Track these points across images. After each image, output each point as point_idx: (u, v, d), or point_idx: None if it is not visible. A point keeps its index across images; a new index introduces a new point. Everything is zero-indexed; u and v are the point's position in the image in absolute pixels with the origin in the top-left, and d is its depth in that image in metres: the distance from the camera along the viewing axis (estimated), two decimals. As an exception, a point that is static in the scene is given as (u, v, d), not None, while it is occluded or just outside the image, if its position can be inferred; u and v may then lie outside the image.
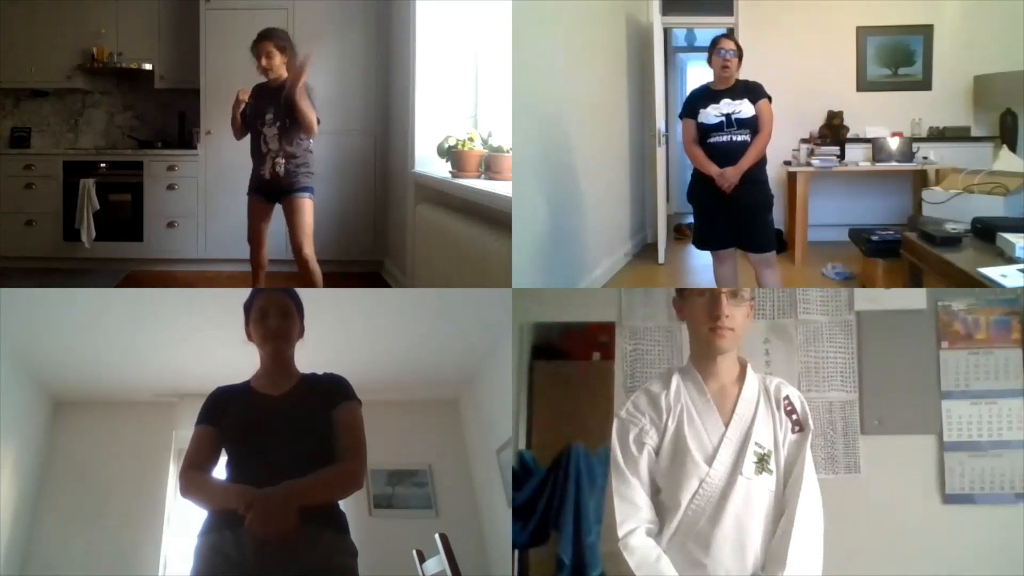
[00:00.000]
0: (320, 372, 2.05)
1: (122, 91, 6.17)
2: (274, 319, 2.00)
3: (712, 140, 3.49)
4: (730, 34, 3.50)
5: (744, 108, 3.45)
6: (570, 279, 4.38)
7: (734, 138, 3.46)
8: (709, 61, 3.51)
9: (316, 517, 1.77)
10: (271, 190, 3.83)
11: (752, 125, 3.46)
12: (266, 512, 1.70)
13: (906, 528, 2.94)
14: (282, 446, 1.85)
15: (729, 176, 3.44)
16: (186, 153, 5.73)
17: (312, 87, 3.83)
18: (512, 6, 3.60)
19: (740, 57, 3.49)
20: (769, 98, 3.51)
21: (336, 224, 5.41)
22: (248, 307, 2.04)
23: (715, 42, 3.51)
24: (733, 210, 3.51)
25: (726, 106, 3.46)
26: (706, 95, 3.52)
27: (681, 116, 3.61)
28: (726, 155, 3.47)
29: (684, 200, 9.26)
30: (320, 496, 1.81)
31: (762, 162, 3.53)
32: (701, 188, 3.60)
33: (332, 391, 1.99)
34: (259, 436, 1.88)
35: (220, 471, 1.91)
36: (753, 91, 3.48)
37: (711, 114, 3.48)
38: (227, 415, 1.93)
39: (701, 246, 3.70)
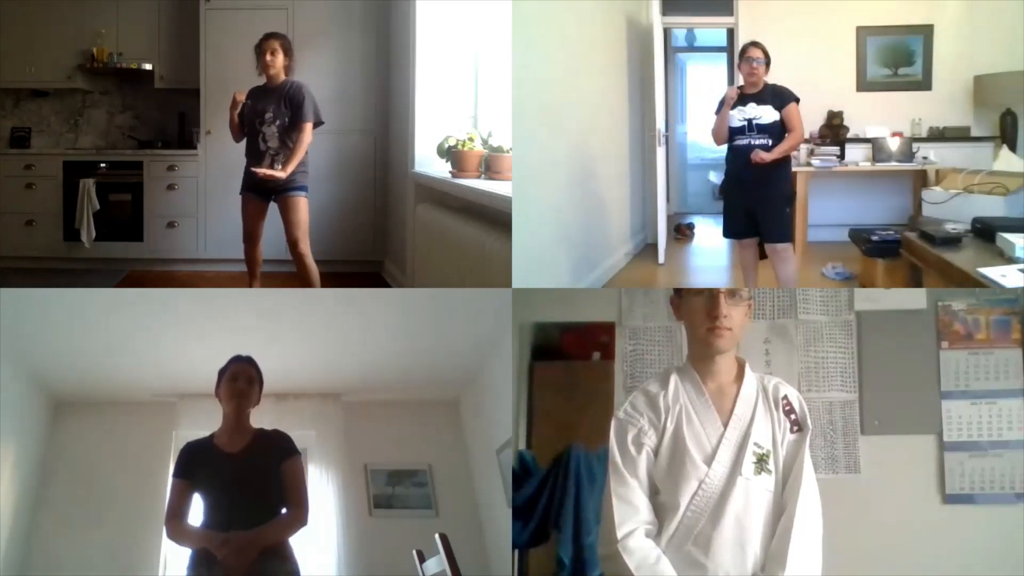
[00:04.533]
0: (268, 428, 2.52)
1: (122, 91, 6.17)
2: (242, 383, 2.47)
3: (735, 142, 3.74)
4: (758, 43, 3.77)
5: (766, 114, 3.68)
6: (570, 279, 4.38)
7: (752, 142, 3.70)
8: (738, 66, 3.77)
9: (271, 553, 2.29)
10: (266, 188, 3.85)
11: (773, 130, 3.69)
12: (237, 551, 2.21)
13: (906, 528, 2.94)
14: (243, 497, 2.35)
15: (762, 155, 3.65)
16: (186, 153, 5.73)
17: (310, 90, 3.85)
18: (512, 6, 3.60)
19: (768, 63, 3.71)
20: (797, 100, 3.72)
21: (336, 224, 5.41)
22: (223, 371, 2.50)
23: (744, 49, 3.75)
24: (755, 203, 3.76)
25: (750, 110, 3.69)
26: (737, 97, 3.74)
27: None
28: (744, 159, 3.70)
29: (684, 200, 9.30)
30: (276, 538, 2.32)
31: (786, 160, 3.79)
32: (729, 184, 3.91)
33: (280, 448, 2.47)
34: (223, 488, 2.36)
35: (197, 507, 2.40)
36: (779, 97, 3.71)
37: (736, 117, 3.73)
38: (197, 470, 2.41)
39: (727, 235, 3.97)
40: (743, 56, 3.72)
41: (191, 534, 2.34)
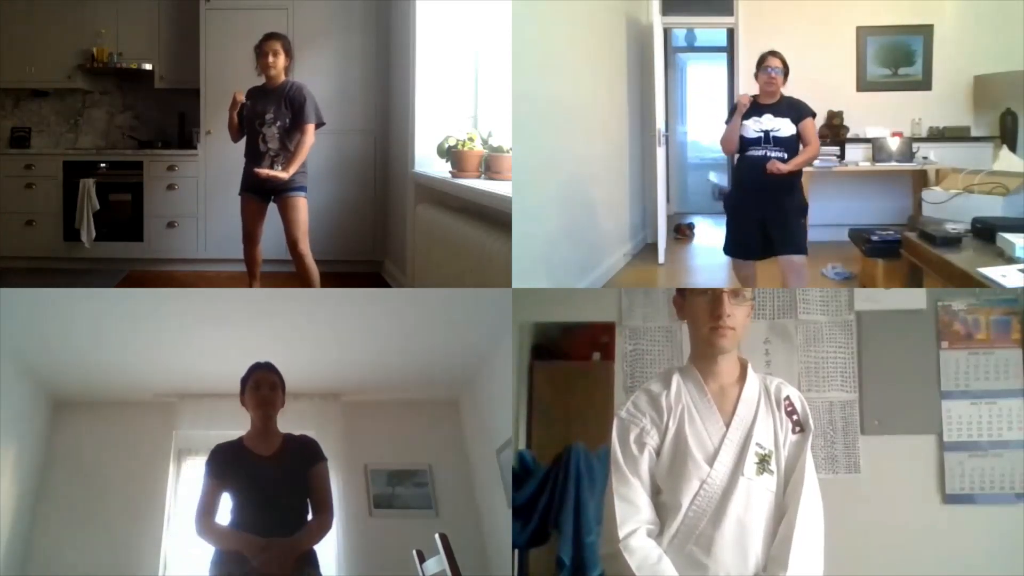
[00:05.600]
0: (296, 433, 2.60)
1: (122, 91, 6.17)
2: (265, 390, 2.53)
3: (749, 153, 3.61)
4: (777, 52, 3.66)
5: (784, 127, 3.57)
6: (570, 279, 4.38)
7: (769, 154, 3.56)
8: (755, 76, 3.65)
9: (305, 561, 2.38)
10: (265, 188, 3.85)
11: (789, 144, 3.57)
12: (277, 558, 2.29)
13: (906, 528, 2.94)
14: (275, 500, 2.42)
15: (779, 165, 3.52)
16: (186, 153, 5.73)
17: (310, 91, 3.85)
18: (512, 6, 3.60)
19: (786, 74, 3.60)
20: (813, 114, 3.63)
21: (336, 224, 5.41)
22: (245, 380, 2.56)
23: (762, 59, 3.62)
24: (769, 215, 3.61)
25: (767, 122, 3.58)
26: (752, 107, 3.62)
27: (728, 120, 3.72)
28: (760, 170, 3.56)
29: (684, 200, 9.27)
30: (308, 544, 2.41)
31: (798, 173, 3.65)
32: (737, 197, 3.78)
33: (308, 452, 2.56)
34: (258, 491, 2.42)
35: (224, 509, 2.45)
36: (797, 110, 3.60)
37: (751, 128, 3.60)
38: (229, 470, 2.46)
39: (731, 253, 3.81)
40: (761, 65, 3.60)
41: (224, 534, 2.38)
